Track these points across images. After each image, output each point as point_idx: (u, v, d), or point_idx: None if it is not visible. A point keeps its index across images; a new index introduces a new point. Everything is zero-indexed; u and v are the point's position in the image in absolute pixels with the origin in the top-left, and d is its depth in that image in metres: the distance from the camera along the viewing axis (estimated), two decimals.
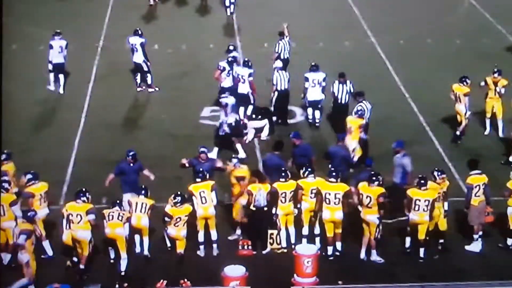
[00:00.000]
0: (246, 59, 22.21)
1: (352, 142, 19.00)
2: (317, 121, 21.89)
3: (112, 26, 28.78)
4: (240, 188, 16.79)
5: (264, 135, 21.30)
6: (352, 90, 20.42)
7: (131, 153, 17.17)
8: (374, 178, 15.95)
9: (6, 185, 15.92)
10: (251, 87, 21.61)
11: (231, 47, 22.50)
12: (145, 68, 23.70)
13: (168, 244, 16.36)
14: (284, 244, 16.51)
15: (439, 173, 16.36)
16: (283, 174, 16.46)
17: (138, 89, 23.94)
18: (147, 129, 21.92)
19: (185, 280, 15.23)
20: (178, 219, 16.01)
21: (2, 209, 15.63)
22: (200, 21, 30.24)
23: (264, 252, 16.52)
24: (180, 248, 16.17)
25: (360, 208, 16.08)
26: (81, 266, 15.49)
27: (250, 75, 21.58)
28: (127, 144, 20.52)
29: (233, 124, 20.28)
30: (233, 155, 17.65)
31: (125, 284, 15.30)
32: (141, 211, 16.03)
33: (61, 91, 23.71)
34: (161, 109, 22.93)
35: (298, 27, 27.70)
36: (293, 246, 16.10)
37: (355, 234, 16.27)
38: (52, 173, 19.10)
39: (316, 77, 21.64)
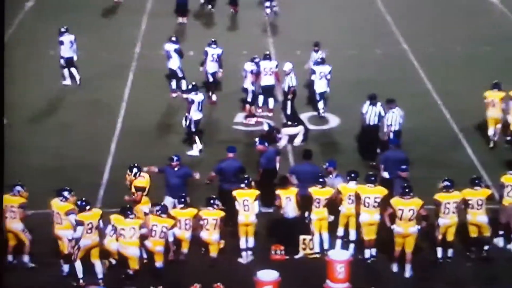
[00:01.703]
0: (267, 53, 23.17)
1: (497, 114, 20.11)
2: (321, 110, 22.80)
3: (148, 33, 29.16)
4: (136, 197, 16.77)
5: (298, 141, 21.48)
6: (382, 113, 20.24)
7: (175, 158, 17.42)
8: (408, 190, 16.00)
9: (66, 193, 16.14)
10: (276, 78, 22.58)
11: (256, 60, 22.86)
12: (180, 74, 24.00)
13: (202, 248, 16.58)
14: (316, 249, 16.69)
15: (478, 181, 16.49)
16: (320, 180, 16.67)
17: (173, 95, 24.21)
18: (181, 134, 22.15)
19: (219, 284, 15.40)
20: (206, 222, 16.28)
21: (59, 218, 15.86)
22: (234, 28, 30.53)
23: (296, 257, 16.68)
24: (213, 252, 16.40)
25: (394, 225, 15.96)
26: (131, 272, 15.75)
27: (276, 66, 22.51)
28: (162, 149, 20.84)
29: (199, 121, 20.79)
30: (134, 164, 17.26)
31: (160, 287, 15.52)
32: (185, 228, 16.27)
33: (77, 82, 24.68)
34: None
35: (330, 35, 27.89)
36: (325, 252, 16.25)
37: (388, 240, 16.31)
38: (88, 176, 19.47)
39: (323, 70, 22.61)
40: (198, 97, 20.79)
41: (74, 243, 15.45)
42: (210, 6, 31.63)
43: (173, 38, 24.26)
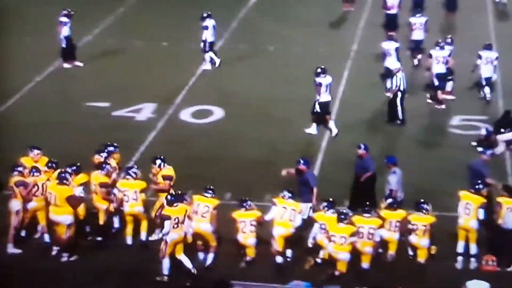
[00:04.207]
0: (449, 37, 23.71)
1: None
2: (487, 96, 23.02)
3: (366, 30, 29.10)
4: (164, 186, 16.57)
5: None
6: None
7: (301, 161, 17.22)
8: None
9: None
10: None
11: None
12: None
13: (410, 253, 16.24)
14: None
15: None
16: None
17: (387, 94, 23.93)
18: (390, 134, 21.89)
19: None
20: (416, 227, 15.87)
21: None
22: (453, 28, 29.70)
23: (509, 269, 15.93)
24: (421, 257, 16.00)
25: None
26: (336, 273, 15.67)
27: (450, 54, 23.17)
28: (372, 148, 20.65)
29: (327, 103, 21.45)
30: (158, 156, 17.04)
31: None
32: (394, 230, 16.04)
33: (208, 67, 25.62)
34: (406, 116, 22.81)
35: None
36: None
37: None
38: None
39: (489, 55, 22.92)
40: (325, 80, 21.24)
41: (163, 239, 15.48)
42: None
43: (393, 36, 24.12)
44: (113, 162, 17.21)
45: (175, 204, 15.56)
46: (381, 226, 15.98)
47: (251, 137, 21.74)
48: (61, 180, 15.94)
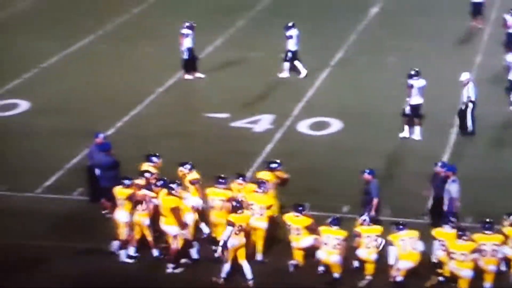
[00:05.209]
0: None
1: None
2: None
3: (490, 44, 28.50)
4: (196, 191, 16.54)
5: None
6: None
7: (367, 171, 17.10)
8: None
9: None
10: None
11: None
12: None
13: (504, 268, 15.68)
14: None
15: None
16: None
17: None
18: None
19: None
20: None
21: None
22: None
23: None
24: None
25: None
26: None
27: None
28: (496, 161, 20.53)
29: (417, 106, 21.40)
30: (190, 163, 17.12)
31: None
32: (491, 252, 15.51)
33: (303, 74, 25.90)
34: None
35: None
36: None
37: None
38: (414, 184, 19.23)
39: None
40: (418, 82, 21.31)
41: (223, 244, 15.33)
42: None
43: None
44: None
45: (239, 211, 15.59)
46: (504, 243, 15.48)
47: (369, 149, 21.47)
48: (169, 190, 16.15)
